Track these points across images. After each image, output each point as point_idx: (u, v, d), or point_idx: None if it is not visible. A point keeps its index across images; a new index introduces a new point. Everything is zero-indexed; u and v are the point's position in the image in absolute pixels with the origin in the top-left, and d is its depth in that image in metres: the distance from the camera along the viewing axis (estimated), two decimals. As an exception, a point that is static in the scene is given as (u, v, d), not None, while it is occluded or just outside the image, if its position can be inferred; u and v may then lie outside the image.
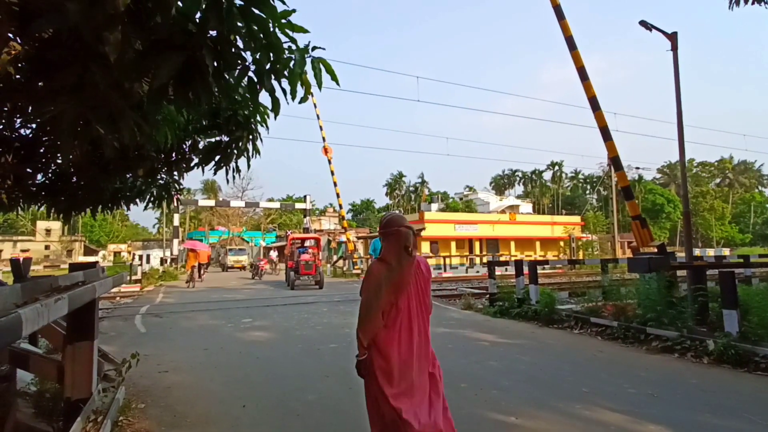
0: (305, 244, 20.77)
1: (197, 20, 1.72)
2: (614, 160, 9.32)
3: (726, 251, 45.76)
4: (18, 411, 3.49)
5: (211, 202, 42.33)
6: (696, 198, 70.16)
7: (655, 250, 7.97)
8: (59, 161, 3.42)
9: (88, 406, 3.04)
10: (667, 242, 8.57)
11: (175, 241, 32.03)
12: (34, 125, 3.23)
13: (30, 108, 2.75)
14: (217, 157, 2.90)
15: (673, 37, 9.28)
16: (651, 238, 8.62)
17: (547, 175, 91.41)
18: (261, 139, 2.95)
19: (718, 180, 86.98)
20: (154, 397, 4.43)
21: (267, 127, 2.81)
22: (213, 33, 1.75)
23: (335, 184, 26.09)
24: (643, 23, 9.52)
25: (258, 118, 2.70)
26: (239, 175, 3.09)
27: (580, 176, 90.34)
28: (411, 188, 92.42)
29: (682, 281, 8.04)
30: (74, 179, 3.59)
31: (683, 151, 9.02)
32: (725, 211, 73.52)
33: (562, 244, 39.62)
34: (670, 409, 3.90)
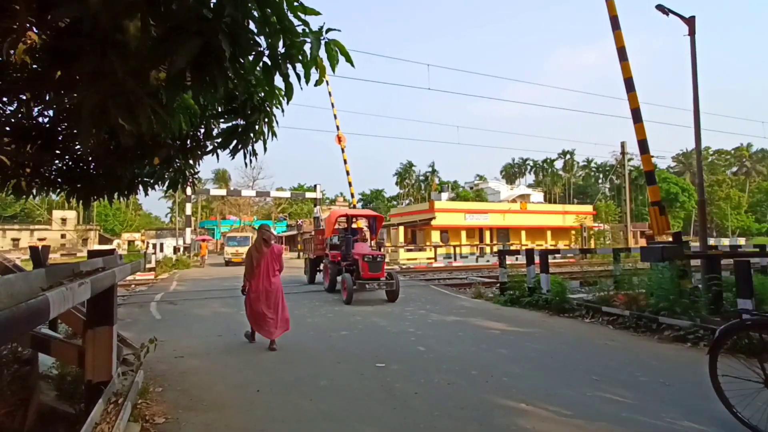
0: (356, 225, 13.87)
1: (212, 5, 1.73)
2: (641, 144, 9.24)
3: (741, 241, 44.99)
4: (41, 393, 3.61)
5: (223, 192, 42.73)
6: (711, 187, 68.90)
7: (670, 238, 7.88)
8: (77, 148, 3.47)
9: (108, 389, 3.13)
10: (680, 231, 8.53)
11: (188, 230, 32.40)
12: (51, 113, 3.28)
13: (48, 97, 2.78)
14: (234, 141, 2.93)
15: (690, 22, 9.05)
16: (668, 226, 8.53)
17: (559, 164, 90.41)
18: (277, 122, 2.97)
19: (734, 168, 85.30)
20: (171, 381, 4.54)
21: (282, 110, 2.83)
22: (227, 18, 1.75)
23: (348, 173, 26.10)
24: (659, 7, 9.29)
25: (273, 101, 2.71)
26: (256, 159, 3.12)
27: (593, 165, 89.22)
28: (421, 177, 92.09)
29: (696, 271, 7.95)
30: (92, 166, 3.65)
31: (699, 138, 8.86)
32: (741, 200, 72.17)
33: (573, 233, 39.30)
34: (682, 398, 3.89)
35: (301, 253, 36.53)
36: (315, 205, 35.65)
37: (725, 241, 40.15)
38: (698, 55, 8.96)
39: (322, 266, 12.99)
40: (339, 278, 11.05)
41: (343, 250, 11.31)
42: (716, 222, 70.92)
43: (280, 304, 5.98)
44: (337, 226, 12.91)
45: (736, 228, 69.62)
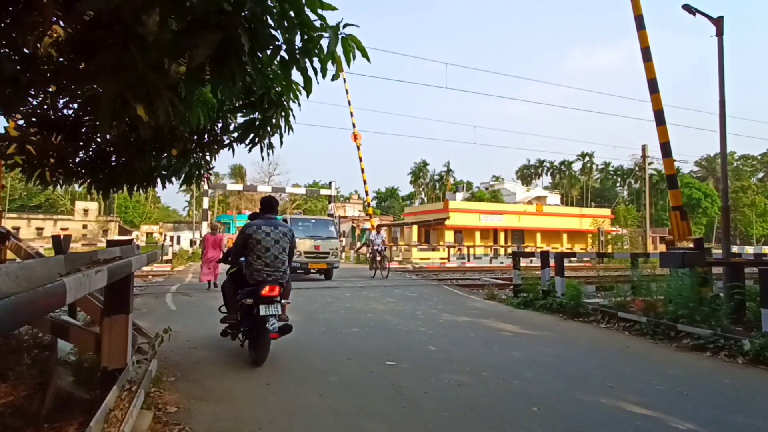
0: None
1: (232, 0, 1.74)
2: (664, 146, 9.07)
3: (766, 249, 43.71)
4: (59, 378, 3.70)
5: (239, 187, 43.13)
6: (736, 193, 67.08)
7: (691, 244, 7.69)
8: (99, 140, 3.55)
9: (123, 376, 3.19)
10: (702, 238, 8.29)
11: (204, 224, 32.74)
12: (75, 105, 3.35)
13: (72, 88, 2.84)
14: (251, 135, 2.96)
15: (718, 23, 8.82)
16: (689, 231, 8.33)
17: (577, 166, 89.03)
18: (293, 116, 3.00)
19: (760, 174, 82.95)
20: (184, 371, 4.61)
21: (299, 104, 2.85)
22: (246, 12, 1.77)
23: (362, 171, 26.12)
24: (686, 7, 9.06)
25: (290, 95, 2.74)
26: (272, 152, 3.15)
27: (611, 168, 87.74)
28: (436, 177, 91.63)
29: (718, 279, 7.75)
30: (113, 158, 3.72)
31: (725, 142, 8.63)
32: (767, 207, 70.08)
33: (590, 237, 38.67)
34: (700, 408, 3.79)
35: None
36: (329, 202, 35.78)
37: (749, 249, 39.05)
38: (725, 56, 8.72)
39: None
40: None
41: None
42: (740, 229, 69.05)
43: (215, 268, 11.42)
44: None
45: (761, 236, 67.69)
